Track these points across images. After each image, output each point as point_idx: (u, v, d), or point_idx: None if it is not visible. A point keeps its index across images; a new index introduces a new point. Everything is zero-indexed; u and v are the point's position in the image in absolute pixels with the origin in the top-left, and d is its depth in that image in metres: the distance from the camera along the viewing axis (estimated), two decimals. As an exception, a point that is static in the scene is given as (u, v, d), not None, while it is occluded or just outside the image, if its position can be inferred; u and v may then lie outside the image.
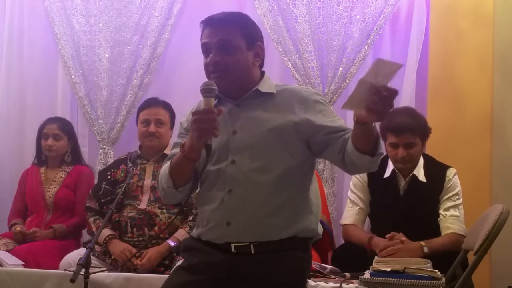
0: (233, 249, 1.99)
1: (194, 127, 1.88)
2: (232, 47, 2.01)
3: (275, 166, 1.97)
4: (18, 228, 3.45)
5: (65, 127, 3.72)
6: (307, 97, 2.04)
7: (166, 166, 2.07)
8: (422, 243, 2.91)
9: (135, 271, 3.00)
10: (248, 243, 1.97)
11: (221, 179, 2.00)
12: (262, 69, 2.13)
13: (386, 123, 3.12)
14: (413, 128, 3.06)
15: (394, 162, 3.14)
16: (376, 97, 1.66)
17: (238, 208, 1.97)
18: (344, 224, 3.23)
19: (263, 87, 2.07)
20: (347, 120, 3.90)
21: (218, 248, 2.01)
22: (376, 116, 1.71)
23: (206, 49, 2.04)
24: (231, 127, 2.03)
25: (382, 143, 1.90)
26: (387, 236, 2.92)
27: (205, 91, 1.91)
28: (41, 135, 3.69)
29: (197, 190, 2.12)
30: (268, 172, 1.96)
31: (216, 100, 2.00)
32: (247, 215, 1.97)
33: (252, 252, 1.97)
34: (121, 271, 3.00)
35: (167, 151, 3.32)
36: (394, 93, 1.68)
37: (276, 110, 2.02)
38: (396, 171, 3.16)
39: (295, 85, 2.16)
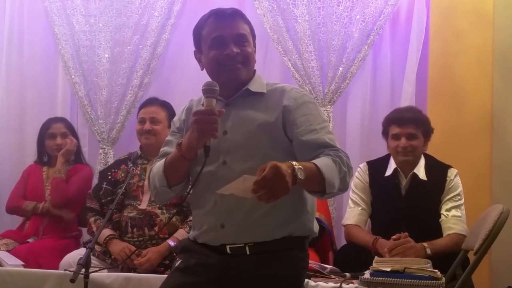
0: (228, 250, 1.98)
1: (194, 127, 1.87)
2: (248, 41, 2.05)
3: None
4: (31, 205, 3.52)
5: (70, 126, 3.77)
6: (296, 98, 2.02)
7: (159, 164, 2.05)
8: (425, 244, 2.90)
9: (135, 271, 3.00)
10: (243, 245, 1.97)
11: (213, 181, 1.97)
12: (254, 68, 2.13)
13: (389, 116, 3.24)
14: (416, 121, 3.16)
15: (395, 155, 3.16)
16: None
17: (231, 210, 1.96)
18: (347, 225, 3.22)
19: (253, 86, 2.06)
20: (346, 118, 3.93)
21: (214, 250, 2.00)
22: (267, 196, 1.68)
23: (220, 41, 2.02)
24: (222, 127, 1.99)
25: (333, 178, 1.83)
26: (393, 237, 2.91)
27: (207, 91, 1.89)
28: (45, 135, 3.69)
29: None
30: None
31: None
32: (241, 216, 1.96)
33: (247, 253, 1.96)
34: (121, 270, 3.00)
35: (168, 151, 3.33)
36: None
37: (266, 109, 2.01)
38: (398, 169, 3.17)
39: (286, 84, 2.12)
